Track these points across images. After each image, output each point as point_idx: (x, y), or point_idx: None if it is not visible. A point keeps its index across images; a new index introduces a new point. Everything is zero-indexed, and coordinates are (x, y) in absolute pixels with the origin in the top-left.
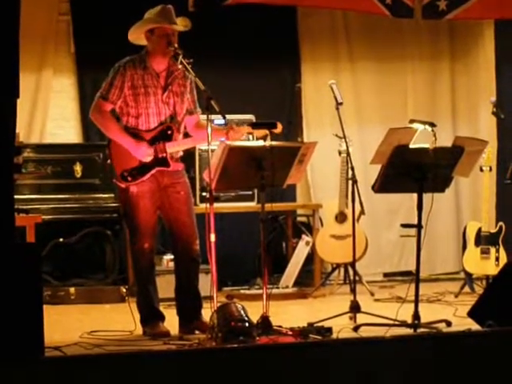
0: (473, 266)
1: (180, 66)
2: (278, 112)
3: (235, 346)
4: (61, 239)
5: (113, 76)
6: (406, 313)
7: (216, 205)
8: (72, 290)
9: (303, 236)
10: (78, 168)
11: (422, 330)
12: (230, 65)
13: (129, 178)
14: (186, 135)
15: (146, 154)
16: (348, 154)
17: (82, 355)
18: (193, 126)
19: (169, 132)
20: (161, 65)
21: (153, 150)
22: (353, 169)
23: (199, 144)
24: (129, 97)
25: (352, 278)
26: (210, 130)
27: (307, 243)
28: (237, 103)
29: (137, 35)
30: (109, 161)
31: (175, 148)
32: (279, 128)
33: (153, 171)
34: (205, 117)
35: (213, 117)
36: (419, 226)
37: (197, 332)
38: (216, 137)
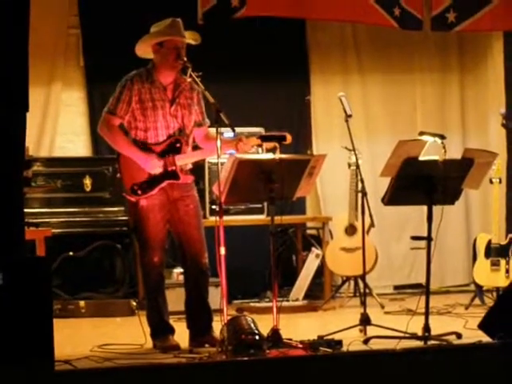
0: (483, 278)
1: (189, 80)
2: (288, 124)
3: (245, 358)
4: (71, 253)
5: (120, 91)
6: (416, 325)
7: (225, 218)
8: (82, 303)
9: (313, 249)
10: (87, 181)
11: (432, 342)
12: (239, 77)
13: (139, 192)
14: (196, 148)
15: (155, 166)
16: (357, 166)
17: (92, 368)
18: (202, 138)
19: (177, 145)
20: (168, 78)
21: (162, 162)
22: (362, 181)
23: (208, 156)
24: (137, 111)
25: (362, 290)
26: (219, 143)
27: (317, 256)
28: (246, 116)
29: (145, 48)
30: (118, 174)
31: (184, 161)
32: (289, 139)
33: (162, 184)
34: (213, 128)
35: (222, 129)
36: (429, 239)
37: (207, 346)
38: (225, 149)
